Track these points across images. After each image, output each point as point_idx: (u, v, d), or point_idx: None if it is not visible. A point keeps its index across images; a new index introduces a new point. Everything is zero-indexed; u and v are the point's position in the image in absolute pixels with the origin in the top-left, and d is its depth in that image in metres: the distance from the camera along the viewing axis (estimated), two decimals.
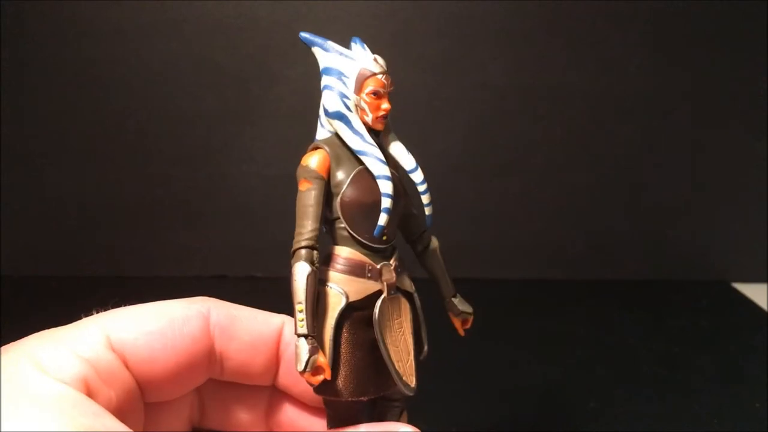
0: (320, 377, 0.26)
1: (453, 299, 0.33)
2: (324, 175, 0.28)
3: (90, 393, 0.23)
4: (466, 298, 0.33)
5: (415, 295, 0.31)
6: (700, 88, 0.74)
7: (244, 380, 0.30)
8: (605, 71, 0.73)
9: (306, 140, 0.30)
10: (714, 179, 0.76)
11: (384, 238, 0.28)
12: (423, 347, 0.31)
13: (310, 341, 0.26)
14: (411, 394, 0.28)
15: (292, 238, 0.28)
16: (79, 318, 0.27)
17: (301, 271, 0.27)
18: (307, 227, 0.28)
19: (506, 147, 0.75)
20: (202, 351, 0.28)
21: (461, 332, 0.33)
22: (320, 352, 0.26)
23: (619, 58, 0.73)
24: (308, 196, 0.28)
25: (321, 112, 0.29)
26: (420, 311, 0.31)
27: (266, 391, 0.31)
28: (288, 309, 0.28)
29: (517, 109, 0.74)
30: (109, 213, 0.75)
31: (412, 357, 0.29)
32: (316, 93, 0.29)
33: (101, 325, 0.26)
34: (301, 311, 0.27)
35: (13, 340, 0.26)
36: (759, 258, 0.78)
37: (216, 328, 0.28)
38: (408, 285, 0.30)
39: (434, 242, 0.33)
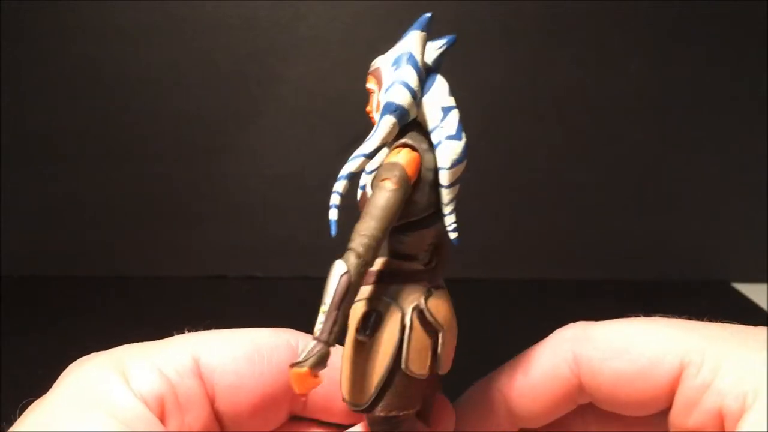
0: None
1: None
2: None
3: (164, 413, 0.24)
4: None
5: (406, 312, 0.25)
6: (700, 88, 0.74)
7: (325, 417, 0.29)
8: (605, 71, 0.73)
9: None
10: (714, 179, 0.76)
11: None
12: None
13: None
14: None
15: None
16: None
17: None
18: None
19: (506, 147, 0.75)
20: (288, 384, 0.27)
21: None
22: None
23: (619, 58, 0.73)
24: None
25: None
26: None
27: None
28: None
29: (517, 109, 0.74)
30: (109, 213, 0.75)
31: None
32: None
33: (191, 348, 0.26)
34: None
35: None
36: (759, 258, 0.78)
37: None
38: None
39: None
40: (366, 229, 0.23)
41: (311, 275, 0.74)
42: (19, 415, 0.23)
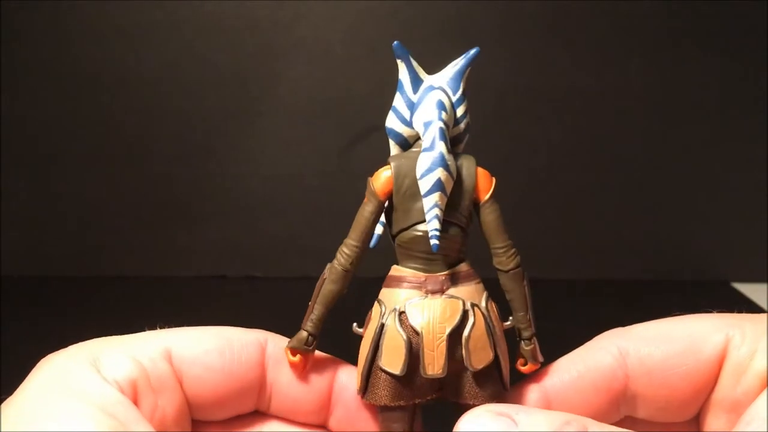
0: None
1: None
2: None
3: (136, 396, 0.24)
4: None
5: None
6: (700, 88, 0.74)
7: (293, 417, 0.30)
8: (605, 71, 0.73)
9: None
10: (714, 179, 0.76)
11: None
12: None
13: None
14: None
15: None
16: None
17: None
18: None
19: (506, 147, 0.75)
20: (255, 380, 0.28)
21: None
22: None
23: (619, 58, 0.73)
24: None
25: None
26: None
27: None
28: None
29: (517, 109, 0.74)
30: (109, 213, 0.75)
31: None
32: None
33: (163, 338, 0.27)
34: None
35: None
36: (759, 258, 0.77)
37: (270, 359, 0.29)
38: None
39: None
40: (347, 237, 0.27)
41: (311, 275, 0.73)
42: None
